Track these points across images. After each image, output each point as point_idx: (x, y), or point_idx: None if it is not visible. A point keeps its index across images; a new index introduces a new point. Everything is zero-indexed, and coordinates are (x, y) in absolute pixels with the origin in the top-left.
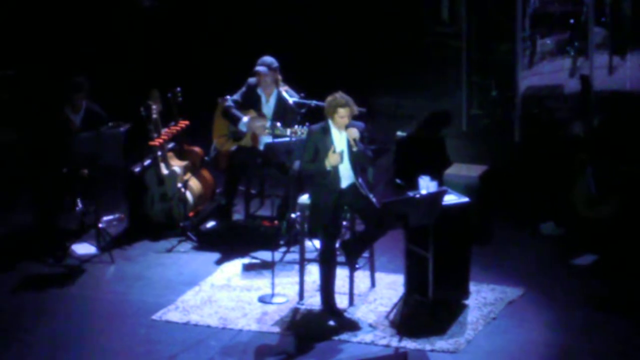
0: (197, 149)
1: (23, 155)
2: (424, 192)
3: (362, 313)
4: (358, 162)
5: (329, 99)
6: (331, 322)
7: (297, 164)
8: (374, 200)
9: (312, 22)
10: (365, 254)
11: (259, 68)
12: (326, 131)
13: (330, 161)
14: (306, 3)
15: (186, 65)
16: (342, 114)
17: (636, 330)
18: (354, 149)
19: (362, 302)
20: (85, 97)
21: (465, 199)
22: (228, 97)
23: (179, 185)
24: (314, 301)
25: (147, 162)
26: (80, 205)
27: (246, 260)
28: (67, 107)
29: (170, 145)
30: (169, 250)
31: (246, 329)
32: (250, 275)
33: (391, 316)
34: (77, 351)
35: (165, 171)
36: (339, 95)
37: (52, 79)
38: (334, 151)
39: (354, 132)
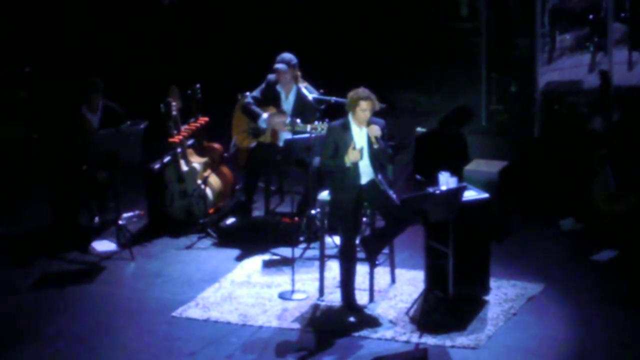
0: (216, 145)
1: (42, 153)
2: (443, 187)
3: (383, 309)
4: (377, 159)
5: (351, 93)
6: (351, 319)
7: (316, 160)
8: (393, 196)
9: (333, 19)
10: (385, 250)
11: (277, 66)
12: (346, 127)
13: (350, 158)
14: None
15: (206, 62)
16: (364, 107)
17: None
18: (375, 146)
19: (383, 298)
20: (102, 96)
21: (485, 195)
22: (247, 93)
23: (199, 181)
24: (334, 297)
25: (166, 159)
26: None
27: (266, 256)
28: (84, 106)
29: (190, 142)
30: (189, 247)
31: (266, 326)
32: (270, 272)
33: (411, 312)
34: (98, 348)
35: (184, 168)
36: (361, 90)
37: (68, 78)
38: (354, 148)
39: (376, 130)
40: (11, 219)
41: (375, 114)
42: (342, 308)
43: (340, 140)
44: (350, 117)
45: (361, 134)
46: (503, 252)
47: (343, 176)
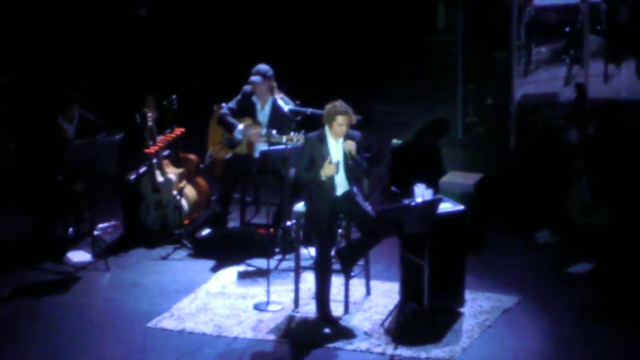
0: (192, 156)
1: (18, 163)
2: (419, 199)
3: (358, 321)
4: (353, 172)
5: (329, 106)
6: (326, 330)
7: (292, 172)
8: (369, 208)
9: (309, 30)
10: (361, 262)
11: (253, 78)
12: (322, 139)
13: (325, 172)
14: (304, 10)
15: (181, 73)
16: (341, 121)
17: (631, 339)
18: (350, 161)
19: (358, 309)
20: (78, 106)
21: (461, 207)
22: (223, 104)
23: (174, 192)
24: (309, 309)
25: (142, 169)
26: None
27: (241, 267)
28: (60, 116)
29: (166, 152)
30: (164, 258)
31: (241, 337)
32: (246, 283)
33: (386, 324)
34: (73, 359)
35: (160, 179)
36: (339, 104)
37: (45, 88)
38: (330, 162)
39: (350, 144)
40: None
41: (352, 126)
42: (317, 319)
43: (316, 152)
44: (326, 129)
45: (337, 146)
46: (478, 264)
47: (318, 188)
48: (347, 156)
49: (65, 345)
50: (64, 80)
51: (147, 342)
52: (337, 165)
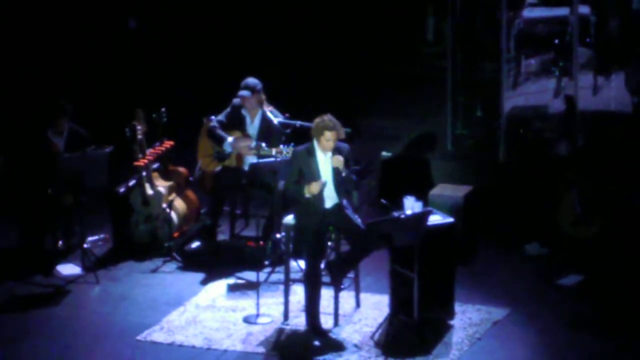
0: (182, 169)
1: (7, 176)
2: (408, 212)
3: (347, 333)
4: (342, 185)
5: (317, 120)
6: (316, 343)
7: (282, 184)
8: (358, 220)
9: (298, 43)
10: (350, 275)
11: (241, 92)
12: (311, 153)
13: (310, 189)
14: (293, 25)
15: (171, 86)
16: (329, 137)
17: (621, 350)
18: (340, 175)
19: (347, 322)
20: (67, 120)
21: (450, 219)
22: (213, 117)
23: (164, 205)
24: (299, 321)
25: (131, 182)
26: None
27: (231, 280)
28: (49, 130)
29: (155, 165)
30: (154, 271)
31: (231, 350)
32: (235, 296)
33: (376, 336)
34: None
35: (150, 191)
36: (327, 118)
37: (34, 101)
38: (318, 178)
39: (339, 160)
40: None
41: (341, 139)
42: (306, 332)
43: (304, 165)
44: (315, 142)
45: (326, 160)
46: (468, 276)
47: (308, 201)
48: (335, 170)
49: (55, 358)
50: (53, 92)
51: (136, 355)
52: (323, 184)
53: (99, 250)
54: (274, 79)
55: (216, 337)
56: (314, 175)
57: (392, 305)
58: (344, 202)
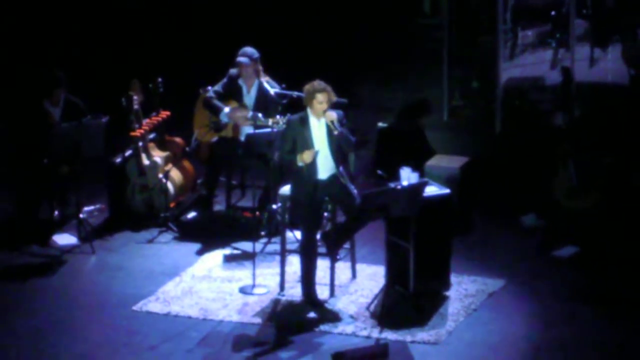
0: (178, 139)
1: (3, 146)
2: (405, 183)
3: (343, 304)
4: (340, 150)
5: (307, 86)
6: (312, 313)
7: (277, 155)
8: (355, 191)
9: (294, 14)
10: (346, 245)
11: (240, 59)
12: (304, 121)
13: (302, 157)
14: None
15: (167, 56)
16: (320, 99)
17: (617, 321)
18: (335, 132)
19: (343, 293)
20: (64, 90)
21: (446, 191)
22: (209, 87)
23: (160, 175)
24: (294, 292)
25: (128, 152)
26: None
27: (227, 251)
28: (46, 100)
29: (152, 135)
30: (150, 241)
31: (227, 320)
32: (231, 266)
33: (372, 307)
34: (58, 342)
35: (146, 162)
36: (317, 82)
37: (30, 72)
38: (312, 147)
39: (332, 115)
40: None
41: (337, 108)
42: (302, 303)
43: (298, 134)
44: (308, 110)
45: (320, 126)
46: (464, 247)
47: (300, 170)
48: (331, 133)
49: (51, 328)
50: (49, 63)
51: (132, 325)
52: (316, 153)
53: (95, 220)
54: (270, 48)
55: (212, 307)
56: (308, 144)
57: (388, 276)
58: (341, 169)
